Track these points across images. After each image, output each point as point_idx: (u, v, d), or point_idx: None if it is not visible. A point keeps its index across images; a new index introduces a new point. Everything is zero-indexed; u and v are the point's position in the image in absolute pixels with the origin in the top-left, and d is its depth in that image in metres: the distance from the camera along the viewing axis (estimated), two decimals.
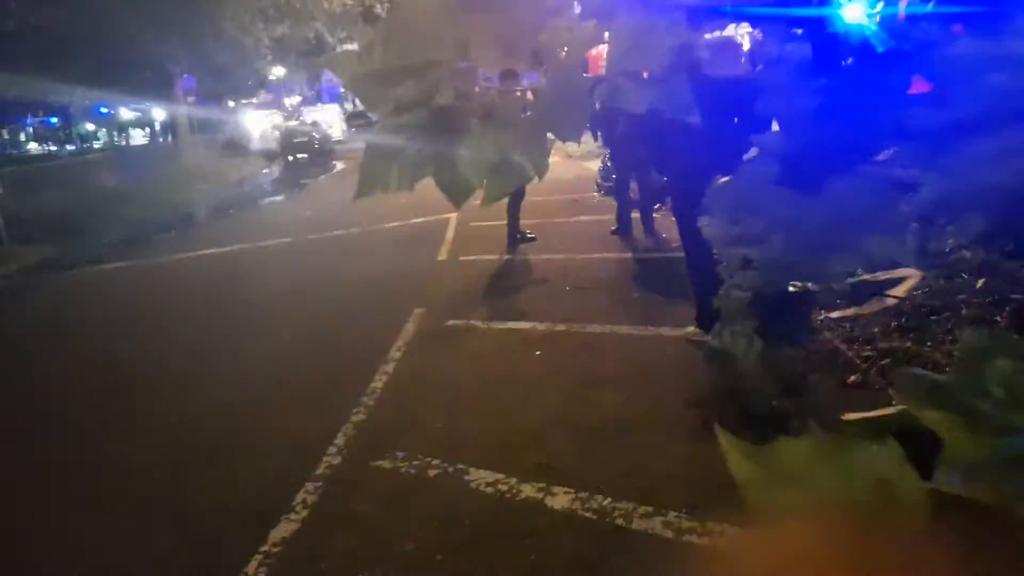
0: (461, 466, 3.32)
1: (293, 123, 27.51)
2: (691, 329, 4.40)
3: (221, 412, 4.38)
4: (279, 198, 16.94)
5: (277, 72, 32.05)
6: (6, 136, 35.12)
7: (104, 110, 31.44)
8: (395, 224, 9.88)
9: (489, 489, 3.11)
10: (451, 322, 5.47)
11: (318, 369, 4.91)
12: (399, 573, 2.67)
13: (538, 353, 4.65)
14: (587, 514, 2.85)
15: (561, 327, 5.04)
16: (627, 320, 5.00)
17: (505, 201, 7.13)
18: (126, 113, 33.54)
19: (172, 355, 5.65)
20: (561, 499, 2.96)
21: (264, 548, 2.90)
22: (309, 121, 27.64)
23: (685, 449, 3.22)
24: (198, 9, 18.48)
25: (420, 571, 2.67)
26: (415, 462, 3.42)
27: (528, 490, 3.05)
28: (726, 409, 3.52)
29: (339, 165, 22.71)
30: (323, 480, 3.38)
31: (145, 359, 5.62)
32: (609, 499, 2.90)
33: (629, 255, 7.05)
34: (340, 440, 3.74)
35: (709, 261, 4.38)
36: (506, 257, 7.44)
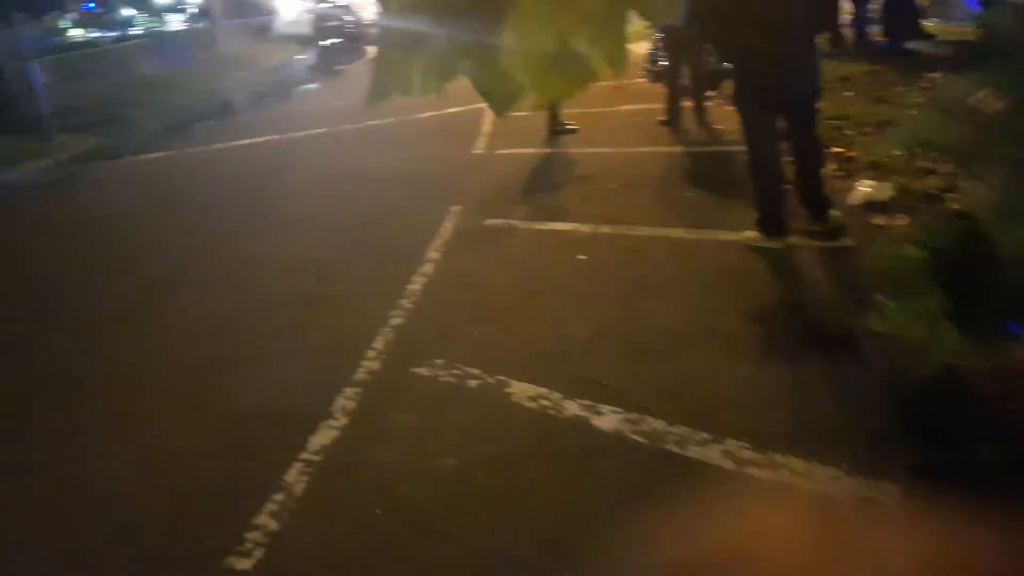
0: (501, 377, 3.18)
1: (325, 5, 26.48)
2: (750, 234, 4.10)
3: (259, 310, 4.35)
4: (313, 86, 16.55)
5: None
6: (51, 23, 34.79)
7: None
8: (430, 114, 9.48)
9: (531, 404, 2.98)
10: (489, 221, 5.24)
11: (356, 269, 4.78)
12: (438, 489, 2.58)
13: (582, 257, 4.42)
14: (637, 437, 2.68)
15: (606, 229, 4.77)
16: (678, 222, 4.69)
17: None
18: None
19: (210, 251, 5.61)
20: (608, 419, 2.80)
21: (304, 456, 2.84)
22: (341, 3, 26.52)
23: (744, 369, 3.01)
24: None
25: (460, 488, 2.57)
26: (454, 371, 3.29)
27: (573, 407, 2.90)
28: (790, 325, 3.31)
29: (372, 51, 21.97)
30: (362, 386, 3.30)
31: (184, 254, 5.61)
32: (661, 422, 2.73)
33: (680, 149, 6.59)
34: (379, 344, 3.64)
35: (774, 158, 4.04)
36: (546, 150, 7.07)
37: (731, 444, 2.56)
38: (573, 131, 7.39)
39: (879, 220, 4.16)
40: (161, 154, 10.19)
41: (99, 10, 35.59)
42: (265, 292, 4.61)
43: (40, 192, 9.07)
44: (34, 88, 11.62)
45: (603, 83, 9.03)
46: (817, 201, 4.06)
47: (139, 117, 12.70)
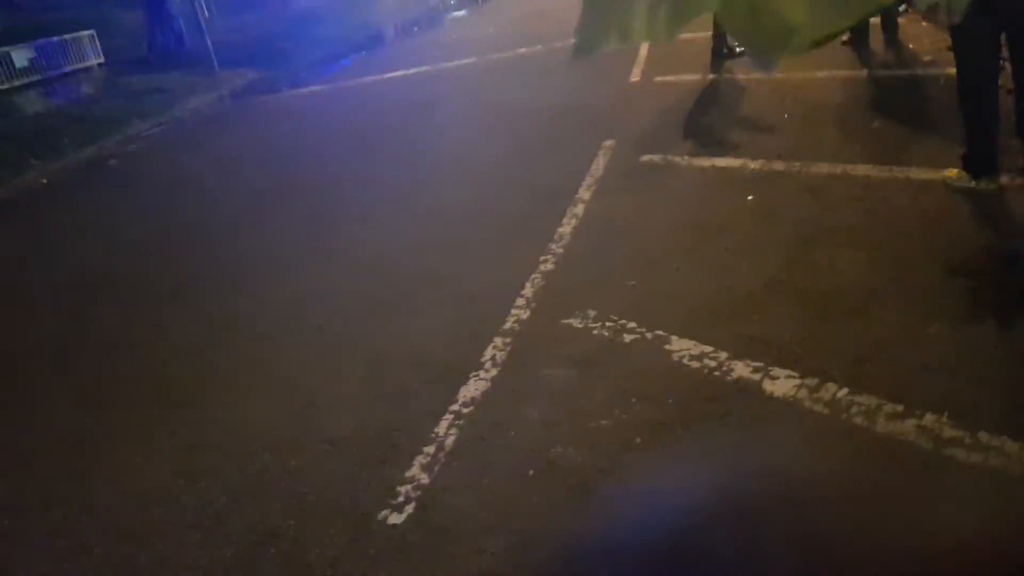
0: (660, 332, 2.97)
1: None
2: (953, 173, 3.55)
3: (408, 252, 4.34)
4: (462, 13, 16.41)
5: None
6: None
7: None
8: None
9: (695, 363, 2.75)
10: (646, 157, 4.91)
11: (504, 210, 4.66)
12: (592, 453, 2.44)
13: (750, 197, 4.03)
14: (815, 407, 2.40)
15: (779, 165, 4.33)
16: (864, 158, 4.15)
17: None
18: None
19: (361, 189, 5.67)
20: (782, 384, 2.53)
21: (454, 408, 2.80)
22: None
23: (945, 332, 2.62)
24: None
25: (616, 453, 2.42)
26: (608, 324, 3.12)
27: (741, 369, 2.65)
28: (1001, 282, 2.84)
29: None
30: (512, 336, 3.21)
31: (336, 191, 5.71)
32: (845, 390, 2.42)
33: (866, 73, 5.84)
34: (528, 291, 3.53)
35: (992, 84, 3.43)
36: (710, 77, 6.53)
37: (929, 419, 2.24)
38: (741, 54, 6.76)
39: None
40: (315, 87, 10.54)
41: None
42: (414, 233, 4.59)
43: (208, 125, 9.64)
44: (199, 24, 12.27)
45: None
46: None
47: (294, 51, 13.18)
